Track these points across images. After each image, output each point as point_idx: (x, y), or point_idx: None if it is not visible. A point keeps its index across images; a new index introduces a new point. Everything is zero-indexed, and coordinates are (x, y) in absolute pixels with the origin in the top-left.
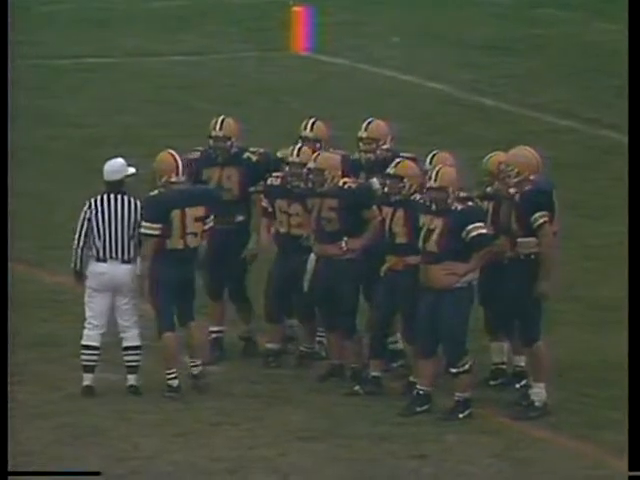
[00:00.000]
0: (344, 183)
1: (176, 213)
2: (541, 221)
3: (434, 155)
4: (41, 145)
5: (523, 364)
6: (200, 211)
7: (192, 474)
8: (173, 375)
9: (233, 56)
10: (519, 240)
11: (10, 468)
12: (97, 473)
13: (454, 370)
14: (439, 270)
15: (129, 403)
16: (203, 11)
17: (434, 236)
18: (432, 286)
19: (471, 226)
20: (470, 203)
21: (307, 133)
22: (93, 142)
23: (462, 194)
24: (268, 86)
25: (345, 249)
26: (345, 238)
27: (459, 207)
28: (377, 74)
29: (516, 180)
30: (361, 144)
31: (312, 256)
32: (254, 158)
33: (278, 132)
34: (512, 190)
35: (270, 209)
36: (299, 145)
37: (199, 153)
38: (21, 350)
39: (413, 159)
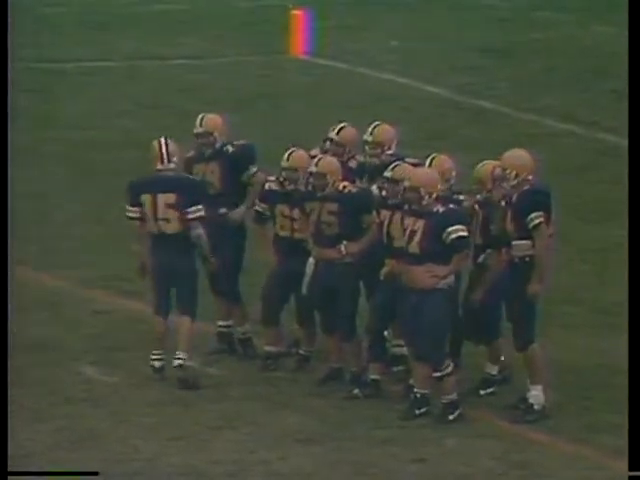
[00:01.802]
0: (344, 187)
1: (146, 197)
2: (537, 221)
3: (433, 158)
4: (41, 147)
5: (495, 372)
6: (171, 198)
7: (191, 477)
8: (155, 357)
9: (233, 59)
10: (514, 243)
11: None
12: (95, 473)
13: (438, 374)
14: (421, 272)
15: (128, 406)
16: (203, 15)
17: (416, 237)
18: (414, 287)
19: (451, 228)
20: (452, 205)
21: (333, 135)
22: (93, 145)
23: (461, 197)
24: (267, 89)
25: (344, 253)
26: (344, 242)
27: (440, 209)
28: (376, 78)
29: (515, 182)
30: (367, 148)
31: (311, 260)
32: (230, 150)
33: (277, 135)
34: (508, 193)
35: (267, 214)
36: (290, 150)
37: (194, 152)
38: (20, 353)
39: (417, 165)
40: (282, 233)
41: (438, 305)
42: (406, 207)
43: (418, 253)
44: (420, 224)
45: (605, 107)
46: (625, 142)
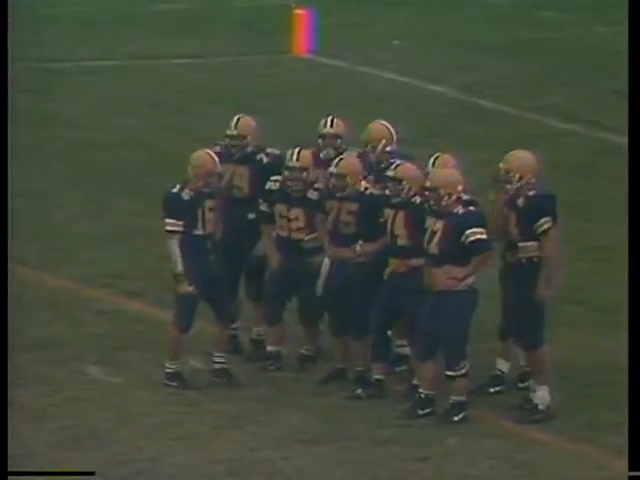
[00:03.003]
0: (365, 188)
1: None
2: (546, 227)
3: (437, 157)
4: (41, 147)
5: (505, 370)
6: None
7: (194, 477)
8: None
9: (235, 59)
10: (520, 244)
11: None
12: (91, 473)
13: (451, 373)
14: (440, 273)
15: (130, 406)
16: (205, 14)
17: (435, 238)
18: (434, 288)
19: (469, 231)
20: (472, 207)
21: (328, 130)
22: (94, 145)
23: (465, 197)
24: (270, 88)
25: (360, 252)
26: (360, 242)
27: (460, 211)
28: (378, 76)
29: (518, 185)
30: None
31: (326, 260)
32: (265, 160)
33: (280, 134)
34: (511, 195)
35: (270, 213)
36: (298, 149)
37: (219, 147)
38: (22, 352)
39: (411, 161)
40: (282, 233)
41: (457, 306)
42: (427, 207)
43: (437, 254)
44: (440, 225)
45: (607, 106)
46: (627, 141)
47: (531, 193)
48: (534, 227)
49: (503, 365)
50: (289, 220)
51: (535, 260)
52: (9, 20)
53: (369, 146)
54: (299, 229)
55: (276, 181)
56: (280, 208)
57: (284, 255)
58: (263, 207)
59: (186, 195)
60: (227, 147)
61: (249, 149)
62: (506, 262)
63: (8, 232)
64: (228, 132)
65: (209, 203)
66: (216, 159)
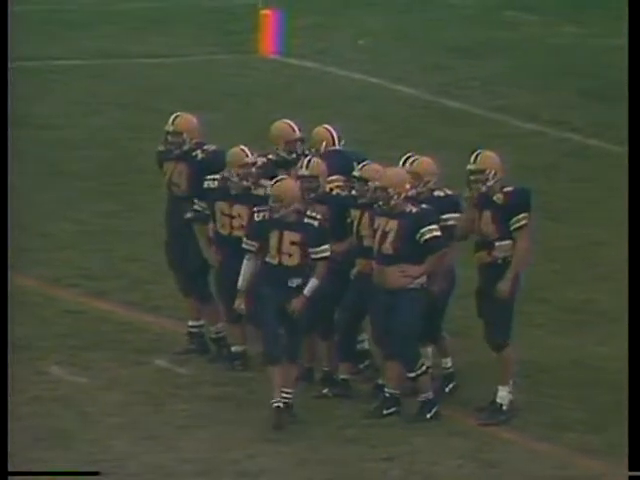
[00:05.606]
0: (331, 190)
1: None
2: (523, 222)
3: (407, 158)
4: (9, 147)
5: (450, 365)
6: None
7: (161, 477)
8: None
9: (202, 59)
10: (497, 244)
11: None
12: (96, 473)
13: (412, 374)
14: (394, 272)
15: (96, 406)
16: (172, 13)
17: (389, 238)
18: (387, 287)
19: (425, 229)
20: (423, 205)
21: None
22: (61, 144)
23: (439, 193)
24: (237, 89)
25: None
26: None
27: (413, 209)
28: (345, 77)
29: (493, 182)
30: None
31: None
32: (200, 156)
33: (247, 135)
34: (485, 193)
35: (207, 212)
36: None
37: (163, 147)
38: None
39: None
40: (223, 232)
41: (411, 305)
42: (376, 207)
43: (392, 254)
44: (393, 225)
45: (573, 107)
46: (591, 142)
47: (508, 189)
48: (510, 223)
49: (446, 362)
50: (232, 217)
51: (509, 259)
52: (8, 22)
53: (313, 149)
54: (241, 226)
55: (214, 179)
56: (221, 206)
57: (227, 254)
58: (198, 207)
59: (258, 216)
60: (165, 143)
61: (186, 146)
62: (480, 262)
63: (8, 232)
64: (165, 128)
65: (292, 236)
66: (275, 183)
